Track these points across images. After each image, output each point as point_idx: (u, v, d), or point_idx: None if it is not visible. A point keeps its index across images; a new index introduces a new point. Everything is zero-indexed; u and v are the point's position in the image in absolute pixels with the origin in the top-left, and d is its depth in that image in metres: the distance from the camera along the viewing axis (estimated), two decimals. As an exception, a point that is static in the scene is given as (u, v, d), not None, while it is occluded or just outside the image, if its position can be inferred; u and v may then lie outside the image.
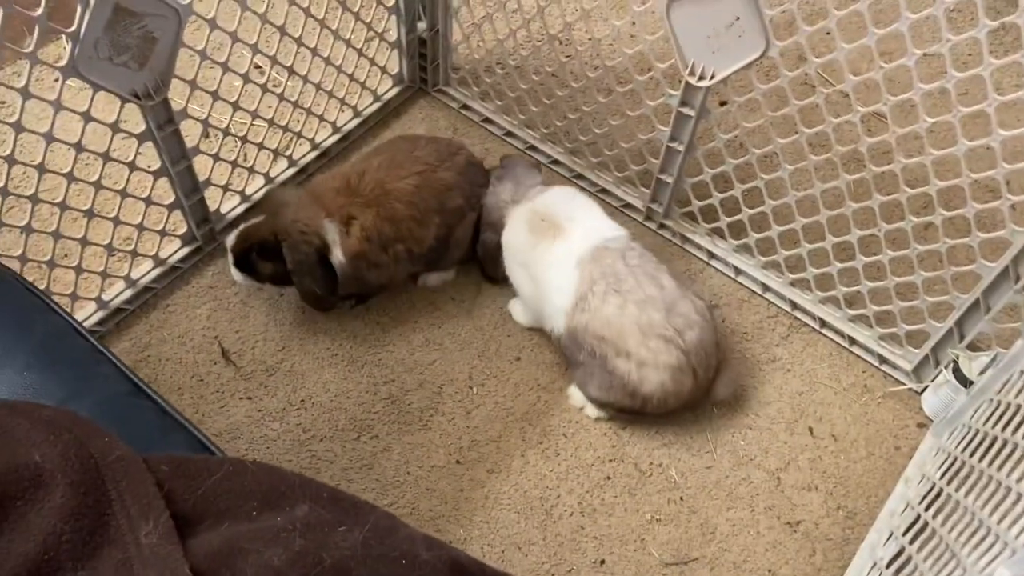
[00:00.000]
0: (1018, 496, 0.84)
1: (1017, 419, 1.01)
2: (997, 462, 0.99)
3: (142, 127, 1.23)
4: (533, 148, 1.69)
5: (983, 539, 0.84)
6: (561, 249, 1.31)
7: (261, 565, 0.59)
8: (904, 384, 1.44)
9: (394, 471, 1.32)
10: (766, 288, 1.53)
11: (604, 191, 1.64)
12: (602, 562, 1.25)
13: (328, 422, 1.35)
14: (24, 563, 0.56)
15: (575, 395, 1.39)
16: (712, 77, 1.28)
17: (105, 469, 0.63)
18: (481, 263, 1.49)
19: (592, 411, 1.37)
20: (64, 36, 1.04)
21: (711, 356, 1.29)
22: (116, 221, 1.31)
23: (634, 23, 1.84)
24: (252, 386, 1.38)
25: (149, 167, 1.30)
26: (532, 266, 1.35)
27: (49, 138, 1.14)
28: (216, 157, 1.41)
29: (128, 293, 1.39)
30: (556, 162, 1.67)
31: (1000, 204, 1.14)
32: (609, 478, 1.33)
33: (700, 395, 1.32)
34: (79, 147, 1.19)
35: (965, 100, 1.10)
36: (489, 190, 1.43)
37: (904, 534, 1.16)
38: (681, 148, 1.42)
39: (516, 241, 1.37)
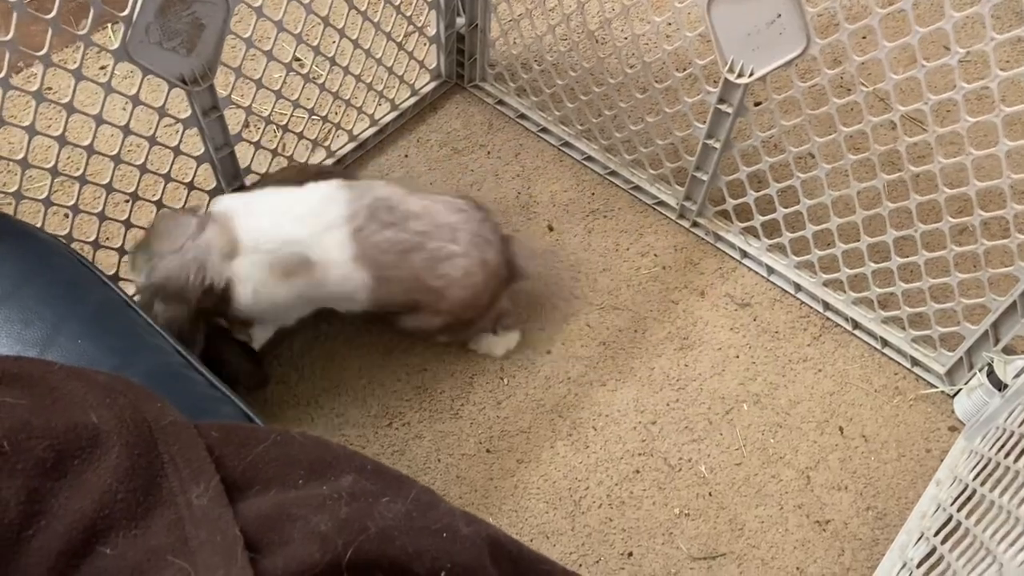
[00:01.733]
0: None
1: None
2: (1032, 463, 0.99)
3: (188, 113, 1.25)
4: (567, 144, 1.70)
5: (1020, 534, 0.83)
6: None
7: (308, 531, 0.61)
8: (936, 387, 1.43)
9: (425, 458, 1.33)
10: (798, 288, 1.53)
11: (637, 188, 1.65)
12: (630, 554, 1.26)
13: (361, 408, 1.37)
14: (80, 519, 0.58)
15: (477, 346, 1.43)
16: (751, 74, 1.28)
17: (158, 432, 0.65)
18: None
19: (498, 348, 1.43)
20: (115, 21, 1.07)
21: (487, 241, 1.29)
22: (159, 204, 1.33)
23: (671, 24, 1.84)
24: (285, 370, 1.40)
25: (193, 152, 1.32)
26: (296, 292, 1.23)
27: (99, 120, 1.17)
28: (257, 145, 1.43)
29: (169, 276, 1.41)
30: (589, 159, 1.68)
31: (1041, 205, 1.14)
32: (638, 472, 1.34)
33: (501, 277, 1.33)
34: (127, 130, 1.21)
35: (1008, 100, 1.10)
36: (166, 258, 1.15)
37: (936, 535, 1.15)
38: (717, 145, 1.42)
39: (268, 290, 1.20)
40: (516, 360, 1.43)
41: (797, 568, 1.26)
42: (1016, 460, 1.05)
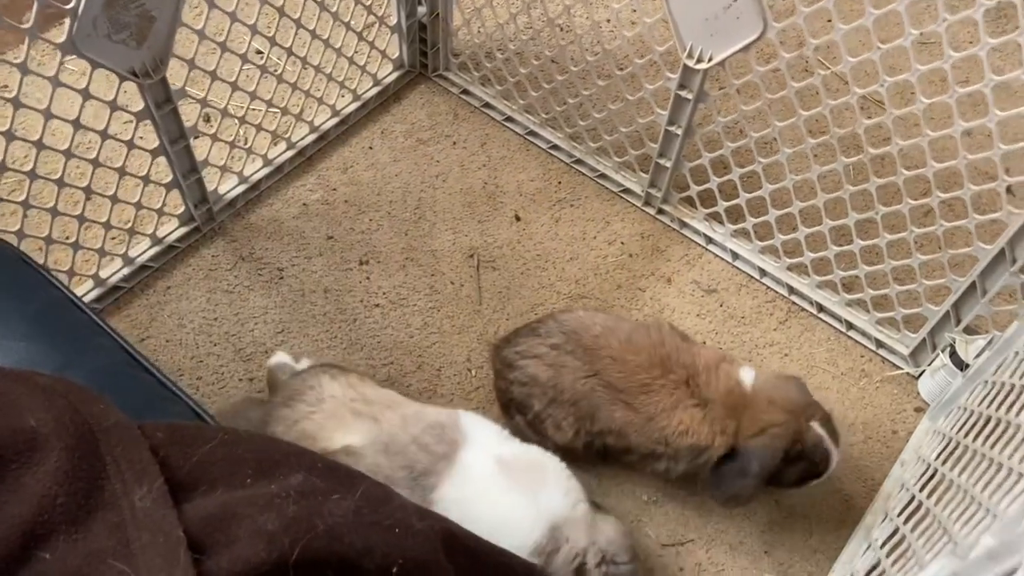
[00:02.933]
0: (1007, 470, 0.84)
1: (1011, 398, 1.02)
2: (990, 441, 0.99)
3: (141, 106, 1.23)
4: (533, 133, 1.69)
5: (973, 514, 0.84)
6: None
7: (255, 530, 0.60)
8: (901, 368, 1.44)
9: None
10: (763, 273, 1.53)
11: (603, 176, 1.64)
12: (598, 542, 1.26)
13: (326, 403, 1.35)
14: (19, 524, 0.56)
15: None
16: (710, 60, 1.28)
17: (100, 434, 0.63)
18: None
19: None
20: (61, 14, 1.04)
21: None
22: (114, 199, 1.31)
23: (635, 10, 1.84)
24: (252, 367, 1.38)
25: (147, 146, 1.30)
26: None
27: (48, 115, 1.15)
28: (214, 138, 1.41)
29: (126, 271, 1.39)
30: (555, 147, 1.67)
31: (996, 186, 1.14)
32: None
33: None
34: (77, 124, 1.19)
35: (962, 81, 1.10)
36: None
37: (899, 515, 1.16)
38: (679, 132, 1.42)
39: None
40: (483, 351, 1.43)
41: (765, 551, 1.27)
42: (975, 439, 1.06)
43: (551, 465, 1.11)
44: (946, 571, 0.70)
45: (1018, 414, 0.94)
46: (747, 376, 1.20)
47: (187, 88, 1.29)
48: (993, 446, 0.97)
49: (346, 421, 1.10)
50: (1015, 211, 1.14)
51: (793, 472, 1.18)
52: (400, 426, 1.09)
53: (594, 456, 1.25)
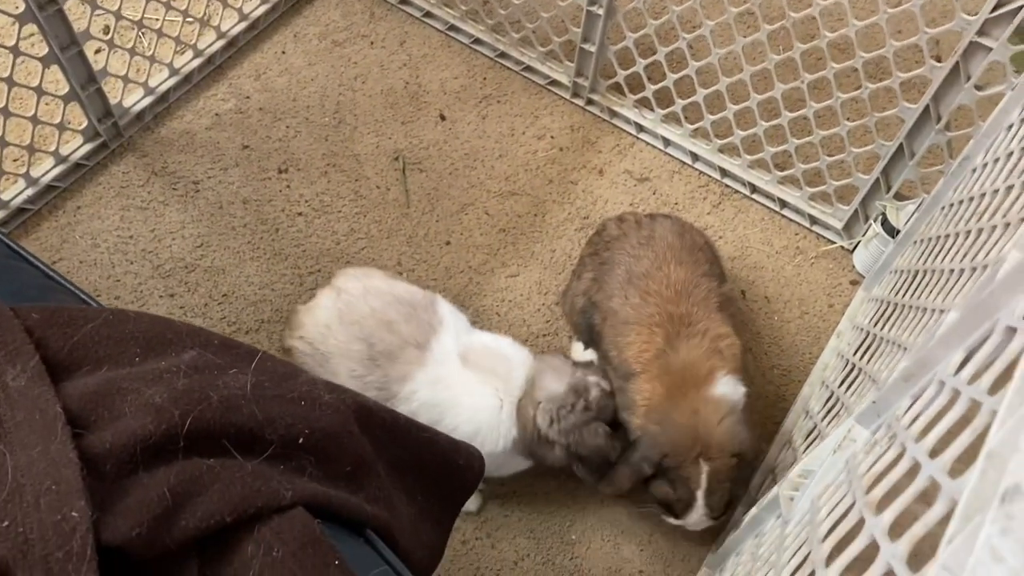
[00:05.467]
0: (931, 311, 0.84)
1: (936, 249, 1.01)
2: (917, 293, 0.99)
3: (22, 7, 1.15)
4: (454, 28, 1.62)
5: (895, 357, 0.84)
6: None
7: (141, 403, 0.56)
8: (835, 243, 1.44)
9: (324, 358, 1.29)
10: (696, 158, 1.51)
11: (529, 68, 1.59)
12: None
13: (253, 314, 1.31)
14: None
15: None
16: (626, -72, 1.23)
17: (-34, 317, 0.59)
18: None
19: None
20: None
21: None
22: (5, 112, 1.23)
23: None
24: (172, 283, 1.33)
25: (36, 53, 1.22)
26: None
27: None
28: (111, 44, 1.33)
29: (30, 192, 1.32)
30: (478, 41, 1.61)
31: (918, 39, 1.12)
32: (544, 352, 1.32)
33: None
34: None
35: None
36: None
37: (837, 383, 1.16)
38: (601, 12, 1.37)
39: None
40: (414, 254, 1.39)
41: (705, 429, 1.27)
42: (904, 295, 1.05)
43: (518, 356, 1.10)
44: (866, 402, 0.70)
45: (942, 260, 0.94)
46: (721, 389, 1.07)
47: (72, -12, 1.20)
48: (919, 295, 0.96)
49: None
50: (937, 65, 1.12)
51: (657, 488, 1.08)
52: (360, 295, 1.06)
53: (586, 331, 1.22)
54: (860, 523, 0.51)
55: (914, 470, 0.48)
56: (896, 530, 0.44)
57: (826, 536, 0.57)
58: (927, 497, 0.43)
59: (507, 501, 1.19)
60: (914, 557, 0.40)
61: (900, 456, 0.53)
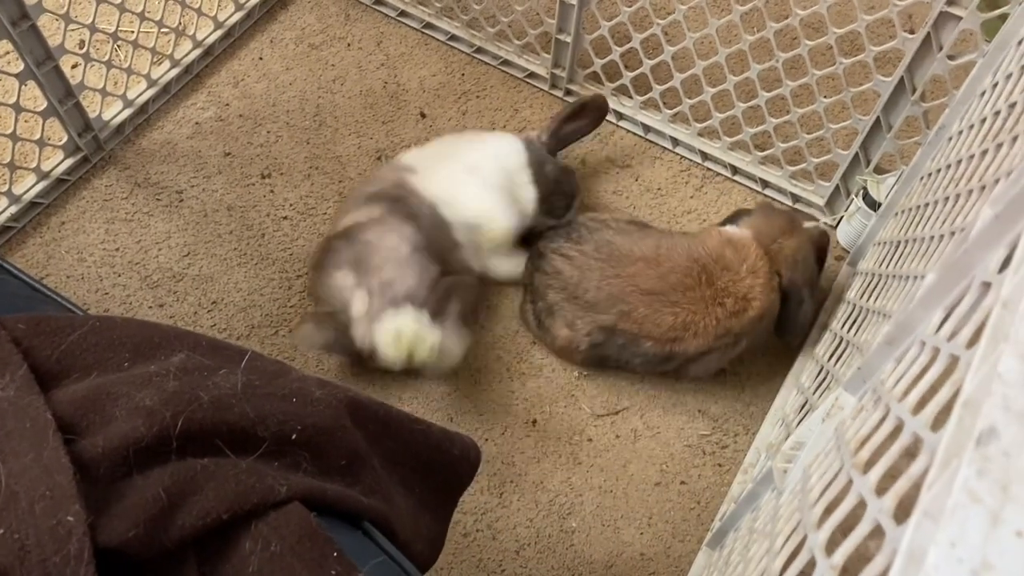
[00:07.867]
0: (913, 279, 0.85)
1: (917, 218, 1.02)
2: (901, 262, 1.00)
3: (-5, 25, 1.15)
4: (429, 26, 1.63)
5: (881, 326, 0.85)
6: None
7: (132, 407, 0.57)
8: (818, 220, 1.45)
9: (316, 362, 1.29)
10: (676, 142, 1.51)
11: (506, 63, 1.59)
12: (534, 422, 1.25)
13: (244, 320, 1.31)
14: None
15: None
16: (594, -83, 1.23)
17: (-47, 329, 0.59)
18: None
19: None
20: None
21: None
22: (-17, 131, 1.23)
23: None
24: (161, 294, 1.33)
25: (12, 70, 1.22)
26: None
27: None
28: (87, 58, 1.33)
29: (13, 209, 1.32)
30: (454, 38, 1.62)
31: (889, 12, 1.13)
32: (534, 343, 1.33)
33: None
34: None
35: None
36: None
37: (826, 357, 1.17)
38: (574, 2, 1.38)
39: None
40: (400, 251, 1.39)
41: (699, 410, 1.28)
42: (888, 266, 1.06)
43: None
44: (851, 369, 0.71)
45: (923, 229, 0.94)
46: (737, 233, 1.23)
47: (43, 4, 1.20)
48: (902, 265, 0.97)
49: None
50: (909, 36, 1.13)
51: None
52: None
53: (593, 361, 1.27)
54: (848, 484, 0.52)
55: (898, 429, 0.49)
56: (882, 488, 0.45)
57: (816, 501, 0.57)
58: (911, 453, 0.43)
59: (504, 492, 1.19)
60: (901, 511, 0.41)
61: (884, 417, 0.54)
